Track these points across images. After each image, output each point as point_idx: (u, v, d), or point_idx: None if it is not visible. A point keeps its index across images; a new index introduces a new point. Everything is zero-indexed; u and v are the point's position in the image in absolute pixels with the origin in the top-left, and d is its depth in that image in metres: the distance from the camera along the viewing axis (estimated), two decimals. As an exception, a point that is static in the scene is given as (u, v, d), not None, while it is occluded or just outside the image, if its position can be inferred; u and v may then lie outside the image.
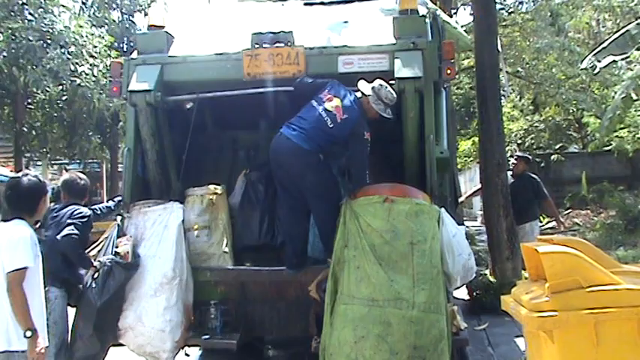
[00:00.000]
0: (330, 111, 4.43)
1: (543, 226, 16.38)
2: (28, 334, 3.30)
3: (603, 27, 21.43)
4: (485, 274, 7.74)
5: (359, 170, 4.45)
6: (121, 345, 4.53)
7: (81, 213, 4.54)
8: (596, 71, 10.51)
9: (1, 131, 15.81)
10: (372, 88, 4.48)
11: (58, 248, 4.39)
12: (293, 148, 4.39)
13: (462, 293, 7.42)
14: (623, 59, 10.73)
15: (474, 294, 7.43)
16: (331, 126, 4.41)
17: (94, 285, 4.34)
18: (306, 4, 6.03)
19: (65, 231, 4.39)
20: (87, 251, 4.63)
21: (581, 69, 12.54)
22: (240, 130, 5.78)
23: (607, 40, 10.94)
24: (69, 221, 4.46)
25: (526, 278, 4.74)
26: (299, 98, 4.69)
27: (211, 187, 4.94)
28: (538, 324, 3.41)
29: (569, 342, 3.32)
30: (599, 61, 10.14)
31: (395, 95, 4.47)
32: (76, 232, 4.39)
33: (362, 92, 4.51)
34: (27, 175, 3.69)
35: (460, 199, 6.72)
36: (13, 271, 3.31)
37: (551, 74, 17.17)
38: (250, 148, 5.74)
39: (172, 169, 5.14)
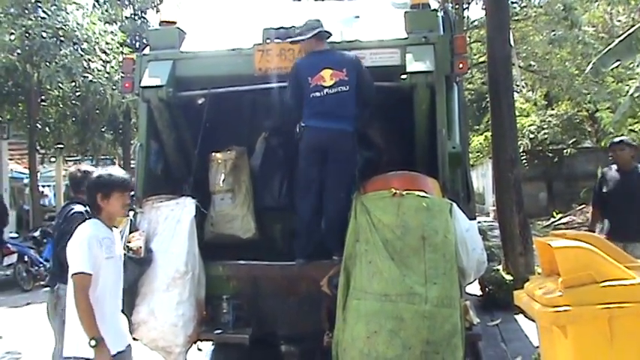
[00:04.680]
0: (335, 82, 4.51)
1: (556, 221, 16.33)
2: (92, 343, 3.15)
3: (618, 21, 21.20)
4: (498, 270, 7.71)
5: (373, 93, 4.64)
6: (134, 339, 4.55)
7: (73, 214, 4.48)
8: (599, 76, 10.42)
9: (15, 128, 15.93)
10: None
11: (60, 257, 4.44)
12: (335, 132, 4.51)
13: (475, 289, 7.40)
14: (629, 64, 10.61)
15: (487, 289, 7.41)
16: (347, 89, 4.51)
17: (106, 280, 4.36)
18: (317, -1, 6.02)
19: (64, 240, 4.36)
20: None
21: (585, 73, 12.44)
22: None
23: (613, 43, 10.81)
24: (64, 227, 4.44)
25: (539, 273, 4.72)
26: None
27: (233, 151, 5.15)
28: (551, 319, 3.39)
29: (582, 337, 3.30)
30: (604, 66, 10.06)
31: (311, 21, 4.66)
32: None
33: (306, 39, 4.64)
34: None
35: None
36: (72, 275, 3.22)
37: (564, 68, 17.04)
38: (269, 109, 5.65)
39: (185, 162, 5.18)
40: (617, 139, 6.08)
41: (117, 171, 3.53)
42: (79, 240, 3.27)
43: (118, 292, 3.48)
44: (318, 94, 4.54)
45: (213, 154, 5.20)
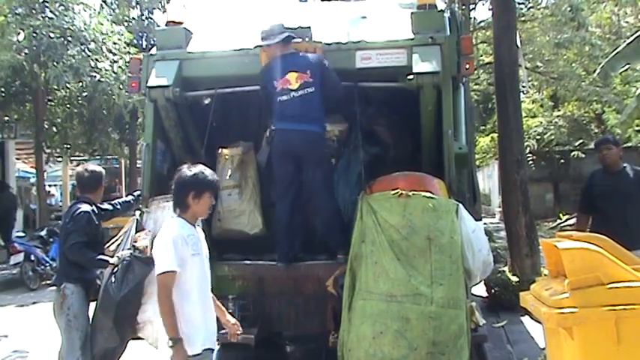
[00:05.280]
0: (300, 85, 4.56)
1: (562, 222, 16.27)
2: (170, 343, 3.16)
3: (625, 22, 21.11)
4: (504, 271, 7.68)
5: (339, 91, 4.69)
6: (140, 339, 4.56)
7: (80, 213, 4.48)
8: (607, 80, 10.33)
9: (22, 128, 15.99)
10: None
11: (67, 256, 4.47)
12: (305, 134, 4.57)
13: (480, 290, 7.38)
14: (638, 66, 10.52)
15: (493, 291, 7.38)
16: (312, 90, 4.56)
17: (113, 279, 4.36)
18: (323, -1, 6.03)
19: (70, 240, 4.42)
20: (106, 246, 4.67)
21: (594, 76, 12.37)
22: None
23: (620, 46, 10.75)
24: (70, 226, 4.46)
25: (545, 275, 4.71)
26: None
27: (240, 147, 5.20)
28: (558, 321, 3.37)
29: (589, 339, 3.29)
30: (613, 70, 9.98)
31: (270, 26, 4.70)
32: (79, 240, 4.38)
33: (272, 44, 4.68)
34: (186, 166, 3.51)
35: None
36: (158, 275, 3.22)
37: (571, 69, 16.99)
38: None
39: (192, 161, 5.19)
40: (602, 138, 5.74)
41: (208, 171, 3.50)
42: (164, 240, 3.26)
43: (207, 290, 3.46)
44: (285, 97, 4.62)
45: (221, 149, 5.27)
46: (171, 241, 3.23)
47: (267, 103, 4.82)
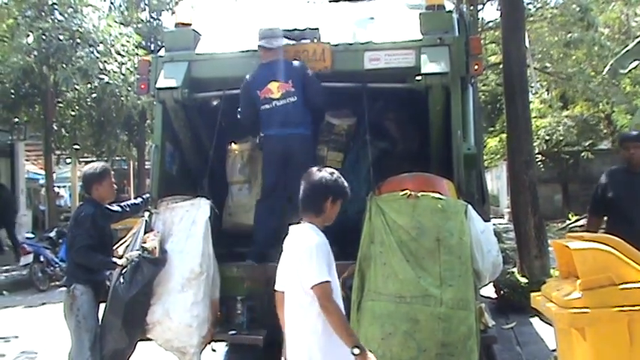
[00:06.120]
0: (282, 94, 4.66)
1: (571, 223, 16.19)
2: (356, 351, 2.89)
3: (635, 22, 20.98)
4: (513, 273, 7.64)
5: (322, 99, 4.78)
6: (149, 340, 4.57)
7: (83, 216, 4.50)
8: (617, 77, 10.19)
9: (31, 129, 16.09)
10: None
11: (74, 259, 4.50)
12: (291, 138, 4.70)
13: (490, 291, 7.35)
14: None
15: (502, 292, 7.35)
16: (295, 99, 4.66)
17: (122, 280, 4.37)
18: (331, 0, 6.02)
19: (76, 244, 4.45)
20: (115, 247, 4.68)
21: (603, 74, 12.27)
22: None
23: (631, 44, 10.67)
24: (75, 230, 4.50)
25: (556, 276, 4.68)
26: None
27: (249, 142, 5.27)
28: (570, 321, 3.35)
29: (601, 339, 3.27)
30: (623, 68, 9.89)
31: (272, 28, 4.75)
32: (84, 243, 4.40)
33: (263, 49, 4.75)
34: (320, 170, 3.25)
35: None
36: (314, 286, 2.93)
37: (580, 69, 16.90)
38: None
39: (201, 161, 5.22)
40: (631, 135, 5.22)
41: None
42: (309, 250, 2.99)
43: (340, 299, 3.13)
44: (267, 106, 4.73)
45: (230, 145, 5.34)
46: (317, 249, 2.98)
47: (245, 111, 4.92)
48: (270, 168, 4.91)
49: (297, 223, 3.18)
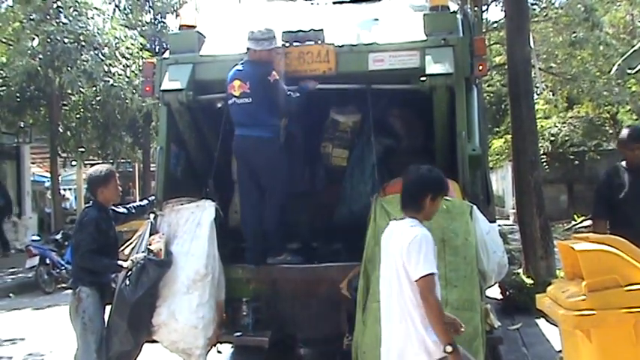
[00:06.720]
0: (240, 94, 4.70)
1: (577, 224, 16.14)
2: (449, 349, 2.92)
3: (639, 22, 20.92)
4: (519, 274, 7.63)
5: (283, 103, 4.75)
6: (155, 342, 4.58)
7: (87, 220, 4.52)
8: (624, 77, 10.14)
9: (37, 132, 16.16)
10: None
11: (80, 264, 4.52)
12: (249, 140, 4.75)
13: (495, 292, 7.33)
14: None
15: (507, 293, 7.33)
16: (249, 101, 4.70)
17: (127, 282, 4.39)
18: (335, 2, 6.02)
19: (80, 248, 4.47)
20: (120, 249, 4.70)
21: (610, 74, 12.21)
22: None
23: (636, 45, 10.61)
24: (79, 235, 4.52)
25: (561, 277, 4.66)
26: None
27: None
28: (575, 323, 3.34)
29: (607, 341, 3.25)
30: (630, 68, 9.84)
31: (267, 30, 4.75)
32: (89, 248, 4.41)
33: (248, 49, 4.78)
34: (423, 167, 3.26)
35: None
36: (419, 279, 2.96)
37: (585, 70, 16.85)
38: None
39: (206, 162, 5.23)
40: (635, 130, 4.82)
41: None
42: (418, 242, 3.01)
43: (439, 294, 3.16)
44: (230, 101, 4.80)
45: None
46: (425, 240, 3.01)
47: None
48: (239, 169, 5.09)
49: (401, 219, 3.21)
